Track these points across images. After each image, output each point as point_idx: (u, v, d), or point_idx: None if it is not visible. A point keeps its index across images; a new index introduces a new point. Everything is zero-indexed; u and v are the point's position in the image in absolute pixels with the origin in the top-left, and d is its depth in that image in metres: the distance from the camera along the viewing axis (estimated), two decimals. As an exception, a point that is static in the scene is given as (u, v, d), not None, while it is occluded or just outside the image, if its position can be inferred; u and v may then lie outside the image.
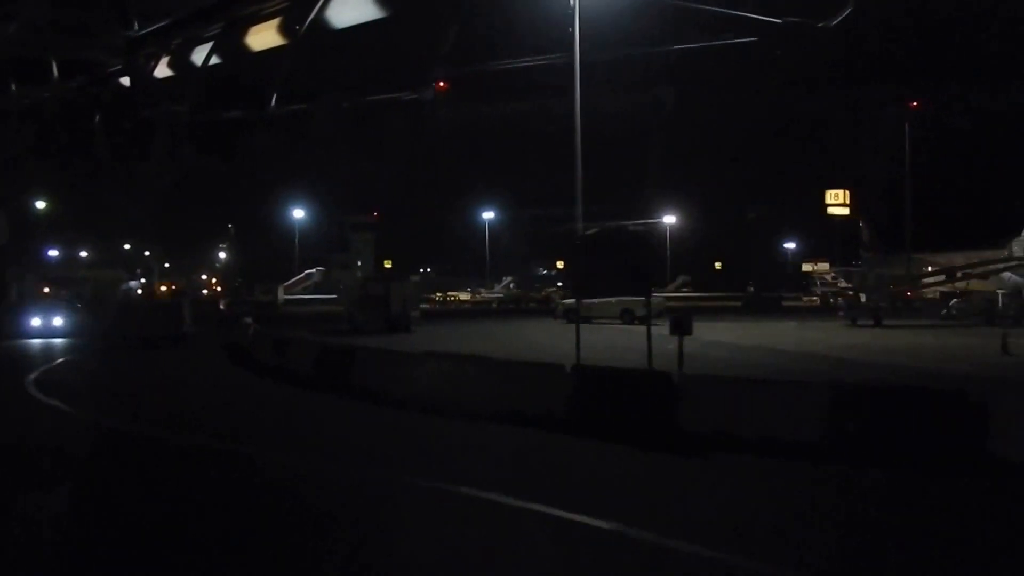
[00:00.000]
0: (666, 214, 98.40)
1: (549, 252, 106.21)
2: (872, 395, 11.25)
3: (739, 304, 61.07)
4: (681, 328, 14.44)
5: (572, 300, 39.31)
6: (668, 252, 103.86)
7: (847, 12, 15.22)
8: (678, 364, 13.87)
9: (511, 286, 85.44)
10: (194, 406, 16.66)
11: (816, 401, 11.10)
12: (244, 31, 12.47)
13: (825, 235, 65.89)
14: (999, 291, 38.08)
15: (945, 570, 6.67)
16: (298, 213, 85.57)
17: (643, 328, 16.49)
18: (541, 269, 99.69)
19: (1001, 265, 39.86)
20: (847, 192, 56.13)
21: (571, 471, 10.27)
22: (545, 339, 28.75)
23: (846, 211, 56.05)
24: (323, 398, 16.96)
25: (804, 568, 6.62)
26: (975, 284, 42.42)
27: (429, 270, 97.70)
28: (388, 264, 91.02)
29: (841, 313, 39.11)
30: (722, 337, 29.61)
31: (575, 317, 19.64)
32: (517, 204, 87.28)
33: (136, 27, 12.45)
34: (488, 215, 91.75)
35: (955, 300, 39.74)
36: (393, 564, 6.79)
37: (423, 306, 63.72)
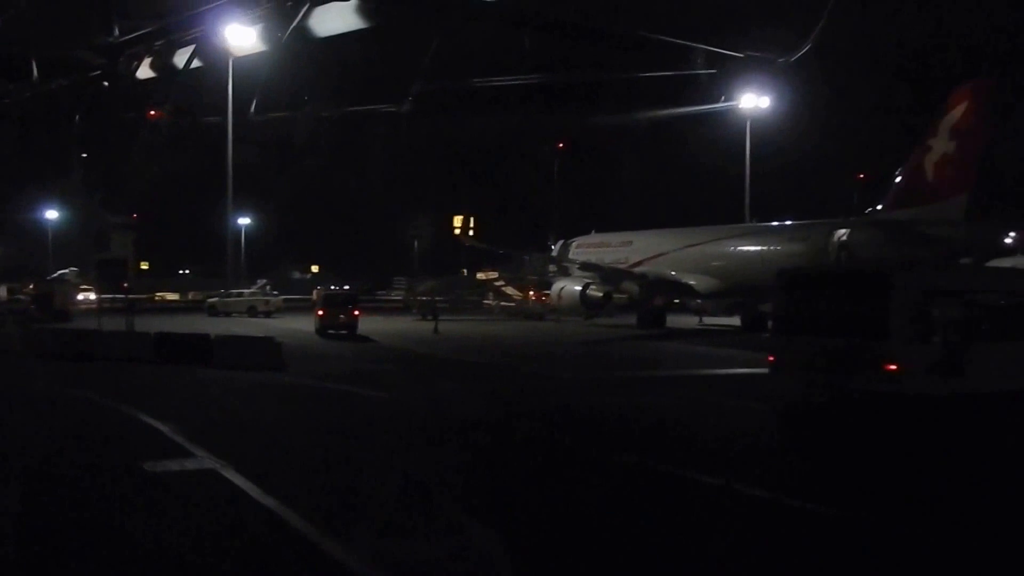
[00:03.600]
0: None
1: (304, 257, 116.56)
2: (174, 337, 23.38)
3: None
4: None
5: (214, 299, 50.63)
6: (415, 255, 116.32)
7: (806, 48, 16.11)
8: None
9: (267, 288, 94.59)
10: None
11: (146, 340, 23.03)
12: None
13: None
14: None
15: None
16: (51, 214, 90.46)
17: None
18: (296, 273, 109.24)
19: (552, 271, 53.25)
20: (470, 218, 70.55)
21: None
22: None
23: (470, 232, 69.94)
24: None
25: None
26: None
27: (188, 272, 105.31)
28: (145, 265, 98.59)
29: (415, 311, 52.03)
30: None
31: (214, 312, 41.04)
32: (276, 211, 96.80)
33: (117, 32, 13.17)
34: (244, 220, 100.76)
35: (499, 301, 53.84)
36: None
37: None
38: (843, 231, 33.90)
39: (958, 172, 31.50)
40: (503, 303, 55.10)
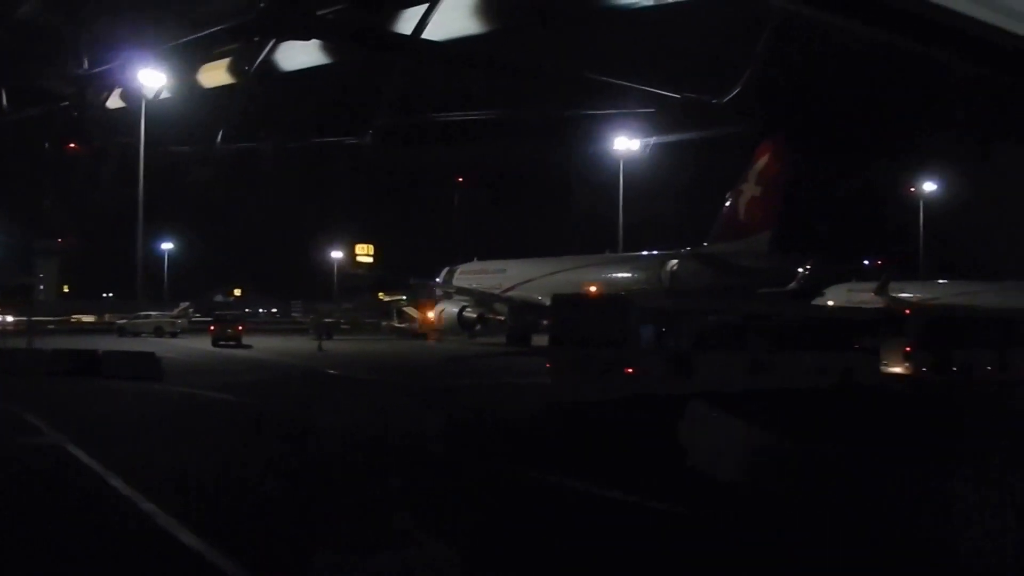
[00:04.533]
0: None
1: (231, 280, 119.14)
2: (67, 353, 27.23)
3: None
4: None
5: (123, 321, 53.92)
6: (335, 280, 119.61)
7: (736, 91, 15.63)
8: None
9: (189, 310, 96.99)
10: None
11: (44, 356, 26.84)
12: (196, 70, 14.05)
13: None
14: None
15: None
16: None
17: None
18: (218, 296, 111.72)
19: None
20: (370, 246, 75.20)
21: None
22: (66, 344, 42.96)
23: (370, 259, 74.53)
24: None
25: None
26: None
27: (111, 295, 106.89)
28: (66, 288, 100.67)
29: (311, 331, 56.08)
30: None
31: (123, 333, 44.28)
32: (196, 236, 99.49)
33: (86, 65, 13.01)
34: (168, 245, 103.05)
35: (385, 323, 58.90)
36: None
37: (50, 326, 74.85)
38: (673, 262, 39.22)
39: (763, 212, 37.02)
40: (394, 324, 59.61)
